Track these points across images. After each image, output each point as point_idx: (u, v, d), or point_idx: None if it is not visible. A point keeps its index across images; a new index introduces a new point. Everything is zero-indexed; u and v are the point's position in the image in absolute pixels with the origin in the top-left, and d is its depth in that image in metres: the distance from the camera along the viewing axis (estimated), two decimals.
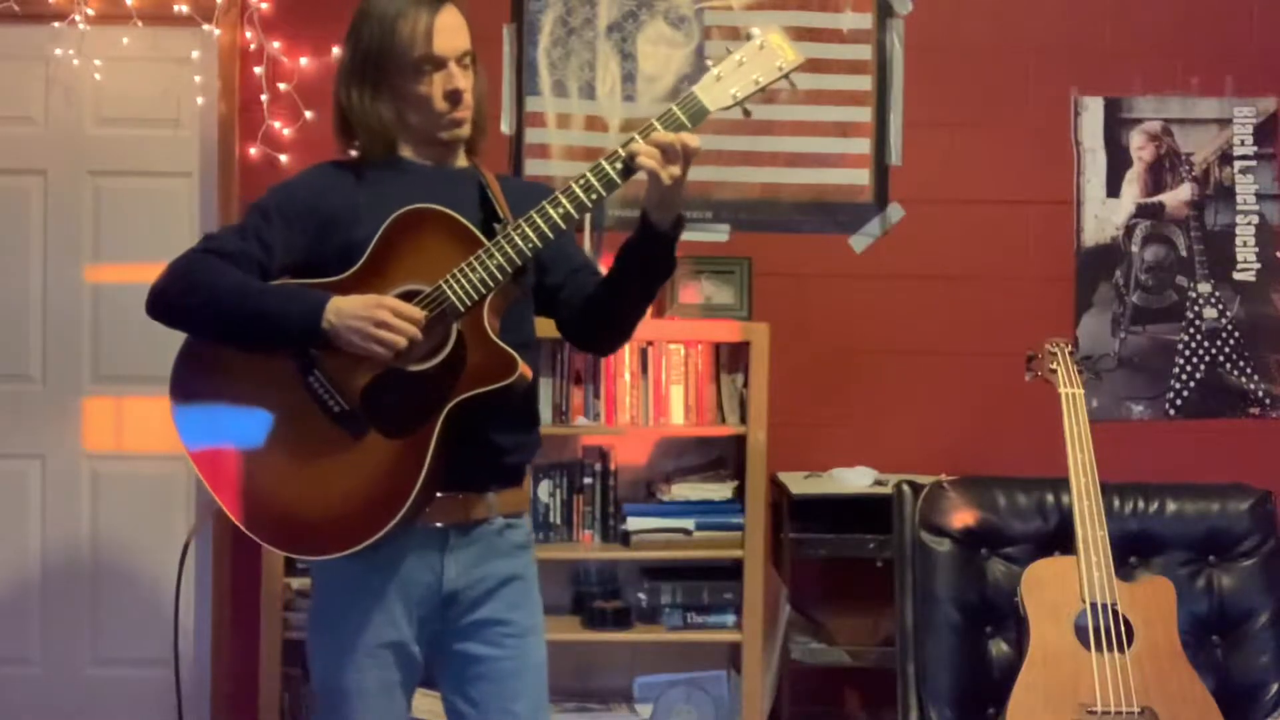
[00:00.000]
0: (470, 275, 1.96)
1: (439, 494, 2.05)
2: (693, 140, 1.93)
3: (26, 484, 3.74)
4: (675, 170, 1.93)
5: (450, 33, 2.06)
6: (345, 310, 1.94)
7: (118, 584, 3.74)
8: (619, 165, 1.95)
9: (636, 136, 1.94)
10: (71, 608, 3.73)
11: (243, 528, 2.05)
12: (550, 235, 1.97)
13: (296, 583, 3.37)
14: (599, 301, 2.13)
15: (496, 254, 1.96)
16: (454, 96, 2.07)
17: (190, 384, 2.12)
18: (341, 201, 2.08)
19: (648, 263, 2.05)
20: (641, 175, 1.95)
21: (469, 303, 1.96)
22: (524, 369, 1.98)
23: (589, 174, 1.96)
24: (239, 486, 2.05)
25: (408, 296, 1.98)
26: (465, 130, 2.13)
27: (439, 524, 2.07)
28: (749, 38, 1.98)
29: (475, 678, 2.11)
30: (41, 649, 3.74)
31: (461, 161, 2.18)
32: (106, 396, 3.74)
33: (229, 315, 2.00)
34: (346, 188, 2.10)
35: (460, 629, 2.11)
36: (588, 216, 3.33)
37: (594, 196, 1.96)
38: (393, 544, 1.99)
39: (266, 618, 3.34)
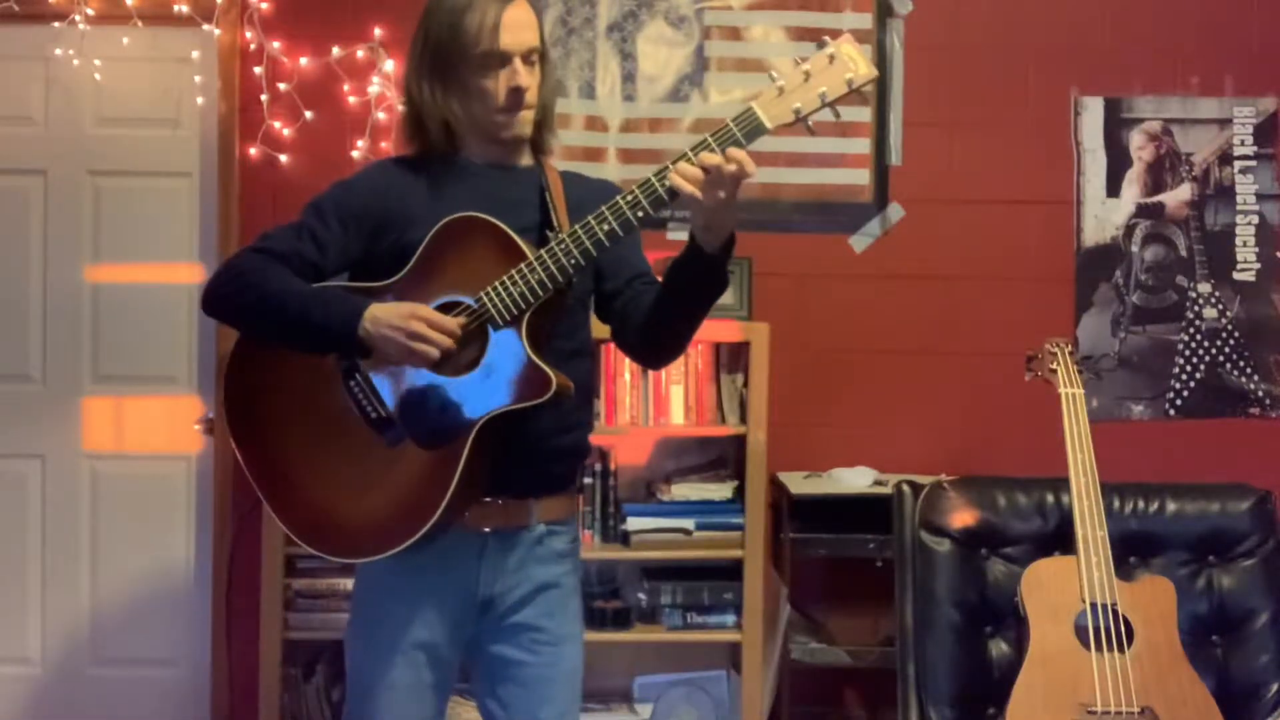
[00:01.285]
0: (511, 289, 1.94)
1: (485, 499, 2.05)
2: (749, 165, 1.81)
3: (26, 484, 3.74)
4: (721, 194, 1.83)
5: (518, 28, 2.04)
6: (381, 319, 1.93)
7: (118, 584, 3.74)
8: (667, 183, 1.86)
9: (689, 153, 1.85)
10: (71, 608, 3.74)
11: (281, 524, 2.07)
12: (594, 252, 1.92)
13: (297, 583, 3.38)
14: (650, 319, 2.06)
15: (539, 269, 1.93)
16: (515, 95, 2.04)
17: (239, 383, 2.10)
18: (398, 202, 2.07)
19: (696, 284, 1.98)
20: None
21: (509, 316, 1.94)
22: (561, 386, 1.95)
23: (637, 190, 1.89)
24: (279, 485, 2.07)
25: (449, 306, 1.97)
26: (526, 130, 2.09)
27: (480, 529, 2.07)
28: (820, 45, 1.85)
29: (506, 680, 2.12)
30: (41, 649, 3.74)
31: (526, 160, 2.15)
32: (106, 396, 3.74)
33: (273, 318, 2.00)
34: (404, 187, 2.09)
35: (495, 632, 2.11)
36: None
37: (640, 214, 1.90)
38: (432, 547, 1.99)
39: (266, 618, 3.34)
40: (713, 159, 1.81)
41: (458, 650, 2.13)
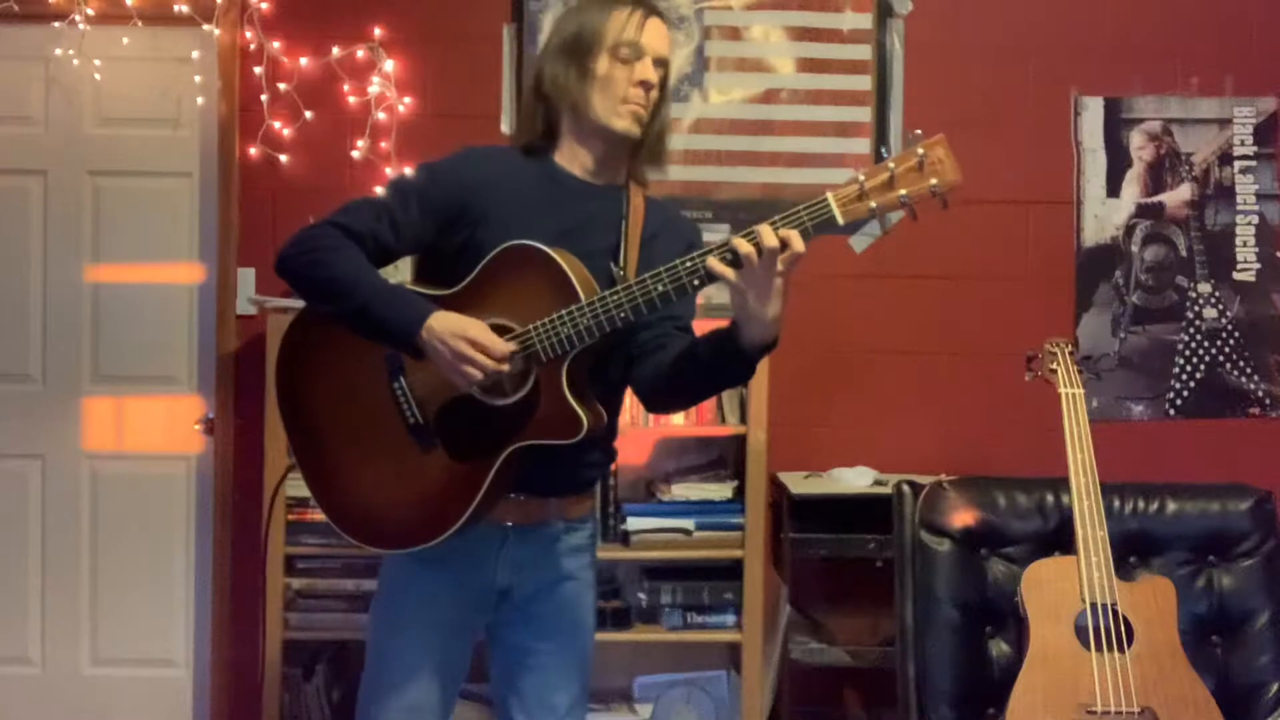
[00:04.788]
0: (559, 329, 1.95)
1: (509, 495, 2.10)
2: (797, 243, 1.81)
3: (26, 484, 3.74)
4: (764, 279, 1.83)
5: (658, 34, 2.13)
6: (437, 330, 1.95)
7: (118, 584, 3.74)
8: (729, 256, 1.86)
9: (758, 230, 1.83)
10: (71, 608, 3.73)
11: (314, 497, 2.14)
12: (644, 311, 1.93)
13: (297, 583, 3.38)
14: (665, 371, 2.08)
15: (588, 315, 1.94)
16: (641, 87, 2.08)
17: (291, 363, 2.16)
18: (477, 199, 2.08)
19: (720, 363, 1.99)
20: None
21: (552, 355, 1.96)
22: (591, 427, 1.98)
23: (697, 258, 1.89)
24: (316, 460, 2.14)
25: (497, 330, 1.99)
26: (635, 129, 2.10)
27: (502, 522, 2.13)
28: (912, 140, 1.83)
29: (520, 666, 2.19)
30: (41, 649, 3.74)
31: (617, 180, 2.17)
32: (106, 396, 3.74)
33: (338, 300, 2.03)
34: (490, 184, 2.10)
35: (512, 621, 2.19)
36: None
37: (696, 282, 1.90)
38: (453, 539, 2.04)
39: (266, 618, 3.34)
40: (768, 238, 1.81)
41: (472, 633, 2.20)
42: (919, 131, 1.84)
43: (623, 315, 1.93)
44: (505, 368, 1.96)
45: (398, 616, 2.18)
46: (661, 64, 2.12)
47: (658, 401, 2.18)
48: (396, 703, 2.15)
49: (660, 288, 1.91)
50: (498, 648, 2.23)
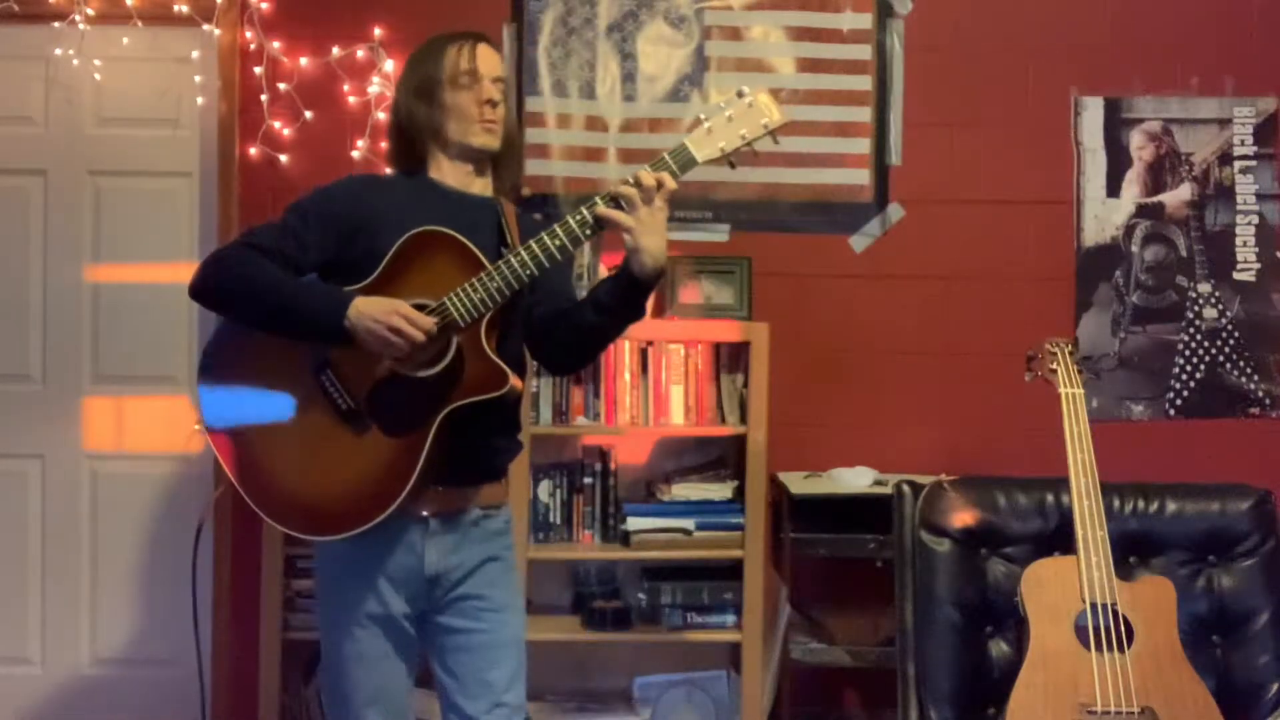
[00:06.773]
0: (472, 294, 2.15)
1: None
2: (669, 181, 2.13)
3: (26, 484, 3.74)
4: (643, 214, 2.12)
5: (488, 58, 2.37)
6: (365, 311, 2.14)
7: (118, 584, 3.74)
8: (613, 203, 2.14)
9: (630, 178, 2.12)
10: (71, 608, 3.74)
11: (250, 502, 2.24)
12: (546, 264, 2.16)
13: (297, 583, 3.38)
14: (563, 322, 2.31)
15: (496, 277, 2.15)
16: (487, 106, 2.33)
17: (216, 369, 2.29)
18: (370, 211, 2.28)
19: (617, 303, 2.23)
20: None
21: (470, 319, 2.16)
22: (515, 381, 2.18)
23: (584, 209, 2.15)
24: (249, 466, 2.25)
25: (415, 309, 2.16)
26: (495, 142, 2.36)
27: (423, 512, 2.27)
28: (740, 95, 2.17)
29: (454, 649, 2.32)
30: (41, 649, 3.75)
31: (485, 191, 2.39)
32: (106, 396, 3.74)
33: (262, 305, 2.19)
34: (376, 199, 2.32)
35: (443, 606, 2.32)
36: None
37: (587, 231, 2.16)
38: (380, 530, 2.19)
39: (266, 618, 3.34)
40: (646, 179, 2.12)
41: (414, 623, 2.32)
42: (745, 88, 2.18)
43: (529, 271, 2.16)
44: (424, 337, 2.12)
45: (339, 613, 2.29)
46: (497, 81, 2.36)
47: (561, 355, 2.39)
48: (359, 698, 2.28)
49: (558, 241, 2.15)
50: (433, 635, 2.33)
